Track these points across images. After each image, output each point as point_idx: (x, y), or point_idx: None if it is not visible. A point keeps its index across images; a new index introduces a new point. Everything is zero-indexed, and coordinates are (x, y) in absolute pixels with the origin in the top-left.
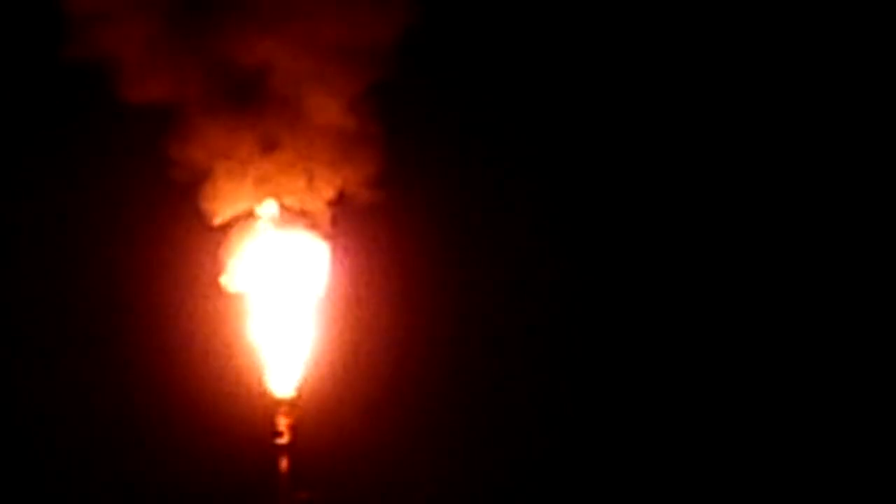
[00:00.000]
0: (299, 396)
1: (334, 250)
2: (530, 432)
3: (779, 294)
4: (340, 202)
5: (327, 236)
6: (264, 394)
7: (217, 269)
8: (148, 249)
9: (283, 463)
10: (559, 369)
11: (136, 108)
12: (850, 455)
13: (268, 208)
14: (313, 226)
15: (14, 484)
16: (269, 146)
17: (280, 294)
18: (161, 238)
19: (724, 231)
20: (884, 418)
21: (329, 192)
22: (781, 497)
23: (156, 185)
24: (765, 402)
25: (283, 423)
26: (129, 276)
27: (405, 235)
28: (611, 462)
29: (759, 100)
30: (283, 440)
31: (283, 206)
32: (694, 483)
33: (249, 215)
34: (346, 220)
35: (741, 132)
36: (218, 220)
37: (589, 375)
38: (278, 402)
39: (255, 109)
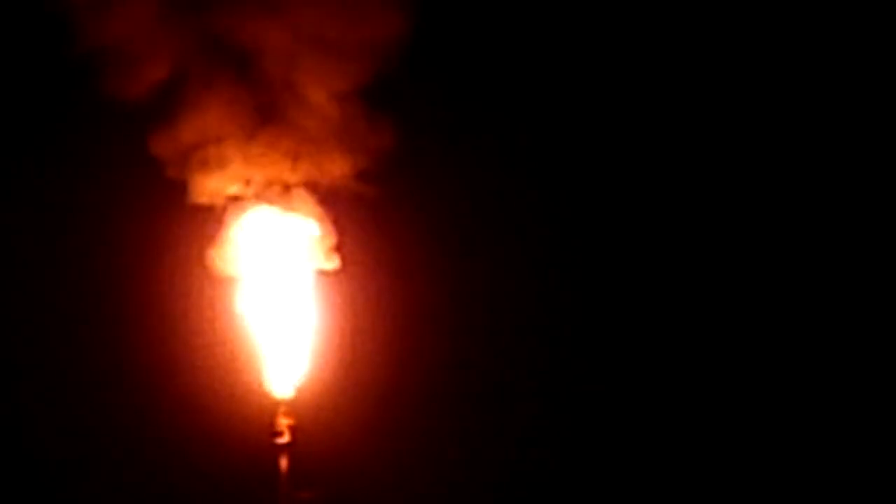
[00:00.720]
0: (299, 396)
1: (335, 249)
2: (531, 432)
3: (779, 294)
4: (341, 198)
5: (328, 235)
6: (264, 394)
7: (217, 268)
8: (147, 247)
9: (283, 463)
10: (562, 369)
11: (126, 94)
12: (850, 455)
13: (268, 205)
14: (314, 223)
15: (10, 484)
16: (264, 132)
17: (280, 294)
18: (161, 236)
19: (724, 233)
20: (884, 418)
21: (328, 186)
22: (781, 497)
23: (151, 176)
24: (765, 403)
25: (283, 423)
26: (127, 275)
27: (407, 233)
28: (612, 463)
29: (759, 100)
30: (283, 440)
31: (282, 203)
32: (694, 483)
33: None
34: (346, 217)
35: (742, 133)
36: (215, 206)
37: (593, 376)
38: (278, 402)
39: (250, 91)
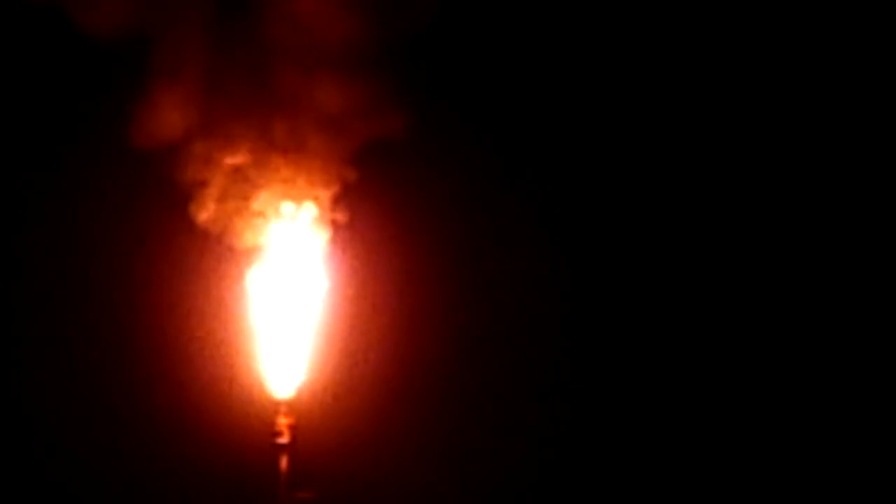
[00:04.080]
0: (299, 396)
1: (335, 249)
2: (531, 432)
3: (779, 294)
4: (342, 200)
5: (328, 235)
6: (264, 394)
7: (219, 268)
8: (150, 248)
9: (283, 463)
10: (562, 369)
11: (146, 107)
12: (850, 455)
13: (270, 206)
14: (315, 223)
15: (12, 482)
16: (270, 145)
17: (281, 293)
18: (163, 236)
19: (724, 233)
20: (884, 418)
21: (331, 188)
22: (781, 497)
23: (157, 181)
24: (765, 403)
25: (283, 423)
26: (129, 275)
27: (407, 235)
28: (612, 463)
29: (759, 100)
30: (283, 440)
31: (285, 203)
32: (694, 483)
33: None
34: (347, 219)
35: (742, 133)
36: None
37: (593, 376)
38: (278, 402)
39: (257, 105)
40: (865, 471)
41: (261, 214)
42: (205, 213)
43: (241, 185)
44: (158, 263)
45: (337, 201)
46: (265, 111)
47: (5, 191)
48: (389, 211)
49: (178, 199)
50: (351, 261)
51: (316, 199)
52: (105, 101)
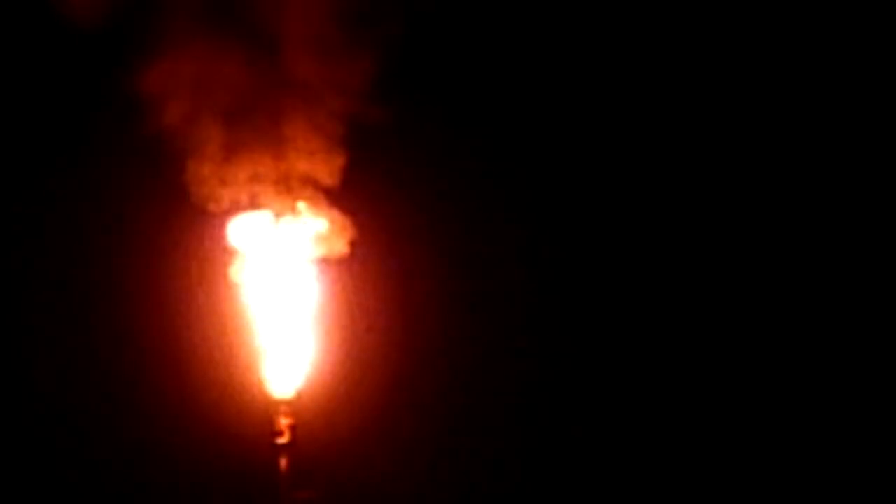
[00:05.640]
0: (299, 396)
1: (335, 249)
2: (531, 433)
3: (779, 294)
4: (340, 199)
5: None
6: (264, 394)
7: (218, 267)
8: (149, 247)
9: (283, 463)
10: (562, 369)
11: (141, 98)
12: (850, 455)
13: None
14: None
15: (10, 481)
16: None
17: (281, 293)
18: (162, 236)
19: (724, 233)
20: (884, 418)
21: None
22: (781, 497)
23: (157, 177)
24: (765, 403)
25: (283, 423)
26: (129, 274)
27: (406, 236)
28: (611, 464)
29: (759, 100)
30: (283, 440)
31: (283, 203)
32: (694, 483)
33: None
34: (347, 218)
35: (741, 133)
36: (219, 210)
37: (593, 378)
38: (278, 402)
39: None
40: (865, 471)
41: (258, 200)
42: (199, 187)
43: (237, 164)
44: (156, 262)
45: (338, 204)
46: (258, 88)
47: None
48: (389, 211)
49: (174, 196)
50: (351, 259)
51: (313, 195)
52: (94, 88)
